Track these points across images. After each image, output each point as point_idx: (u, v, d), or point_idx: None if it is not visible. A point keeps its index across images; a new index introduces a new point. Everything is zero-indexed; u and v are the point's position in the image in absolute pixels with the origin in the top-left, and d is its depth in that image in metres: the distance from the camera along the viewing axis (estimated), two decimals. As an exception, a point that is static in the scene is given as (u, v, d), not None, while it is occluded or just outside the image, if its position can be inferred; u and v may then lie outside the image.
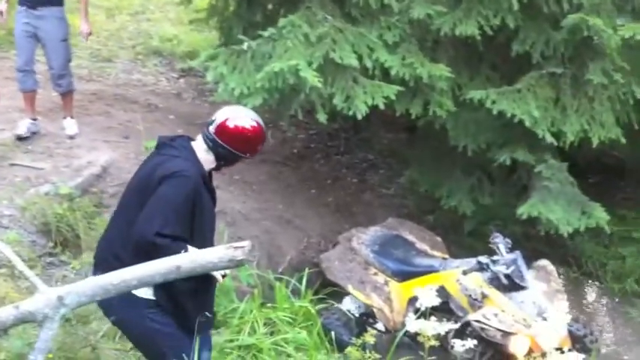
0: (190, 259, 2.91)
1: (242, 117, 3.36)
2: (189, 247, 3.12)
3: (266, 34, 4.95)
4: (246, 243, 3.06)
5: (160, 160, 3.29)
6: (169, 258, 2.91)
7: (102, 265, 3.26)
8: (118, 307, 3.21)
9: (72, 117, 6.19)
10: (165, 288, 3.15)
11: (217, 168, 3.46)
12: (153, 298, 3.24)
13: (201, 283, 3.26)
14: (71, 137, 6.09)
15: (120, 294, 2.92)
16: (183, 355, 3.28)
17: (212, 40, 8.34)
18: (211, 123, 3.34)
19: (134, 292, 3.10)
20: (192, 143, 3.40)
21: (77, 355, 3.76)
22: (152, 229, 3.09)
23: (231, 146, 3.32)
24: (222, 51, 5.13)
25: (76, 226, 5.06)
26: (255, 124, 3.34)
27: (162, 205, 3.15)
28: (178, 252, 3.01)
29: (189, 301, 3.31)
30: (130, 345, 4.05)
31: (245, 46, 4.98)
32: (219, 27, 7.03)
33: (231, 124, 3.31)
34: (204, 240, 3.30)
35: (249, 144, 3.37)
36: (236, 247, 2.89)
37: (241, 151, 3.36)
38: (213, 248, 3.01)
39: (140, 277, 2.87)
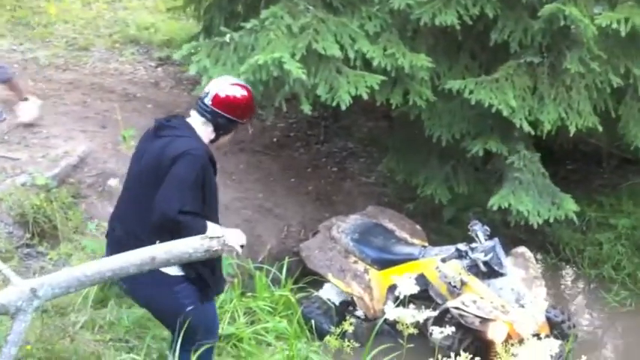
0: (165, 250, 2.91)
1: (233, 86, 3.59)
2: (208, 223, 3.33)
3: (248, 25, 4.92)
4: (222, 233, 3.07)
5: (165, 142, 3.43)
6: (144, 249, 2.91)
7: (118, 245, 3.35)
8: (148, 286, 3.36)
9: (24, 99, 5.96)
10: (191, 264, 3.29)
11: (215, 139, 3.61)
12: (181, 274, 3.41)
13: (218, 257, 3.46)
14: (28, 124, 5.91)
15: (144, 274, 3.02)
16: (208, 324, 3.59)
17: (190, 28, 8.27)
18: (205, 96, 3.53)
19: (163, 270, 3.27)
20: (188, 120, 3.57)
21: (55, 346, 3.74)
22: (174, 208, 3.26)
23: (229, 114, 3.52)
24: (204, 43, 5.10)
25: (54, 217, 5.02)
26: (245, 91, 3.60)
27: (178, 185, 3.32)
28: (199, 228, 3.21)
29: (210, 273, 3.52)
30: (109, 336, 4.05)
31: (227, 38, 4.94)
32: (198, 17, 6.97)
33: (225, 94, 3.53)
34: (213, 213, 3.54)
35: (245, 109, 3.60)
36: (212, 238, 2.91)
37: (239, 117, 3.58)
38: (188, 239, 3.01)
39: (114, 268, 2.86)
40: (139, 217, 3.41)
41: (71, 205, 5.29)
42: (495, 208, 5.31)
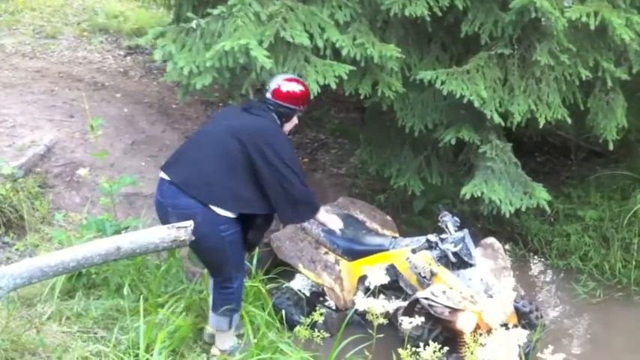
0: (131, 239, 2.88)
1: (290, 81, 4.29)
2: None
3: (215, 12, 4.86)
4: (189, 223, 3.04)
5: (254, 119, 4.13)
6: (108, 239, 2.89)
7: (195, 190, 3.93)
8: (201, 225, 3.76)
9: None
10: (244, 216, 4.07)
11: (280, 126, 4.28)
12: (232, 215, 4.00)
13: (266, 220, 4.28)
14: None
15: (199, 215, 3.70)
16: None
17: (160, 17, 8.22)
18: (267, 91, 4.25)
19: (217, 210, 3.91)
20: None
21: (21, 338, 3.68)
22: (306, 188, 4.15)
23: (290, 103, 4.22)
24: (170, 29, 5.02)
25: (20, 207, 4.95)
26: (300, 84, 4.31)
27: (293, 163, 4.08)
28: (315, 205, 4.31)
29: (255, 226, 4.20)
30: (76, 327, 4.00)
31: (194, 24, 4.88)
32: (168, 5, 6.89)
33: (286, 88, 4.23)
34: None
35: (300, 98, 4.27)
36: (178, 228, 2.88)
37: (297, 106, 4.27)
38: (154, 228, 3.00)
39: (78, 258, 2.82)
40: (224, 179, 3.98)
41: (38, 195, 5.22)
42: (468, 197, 5.33)
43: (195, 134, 4.54)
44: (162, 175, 4.10)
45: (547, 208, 5.58)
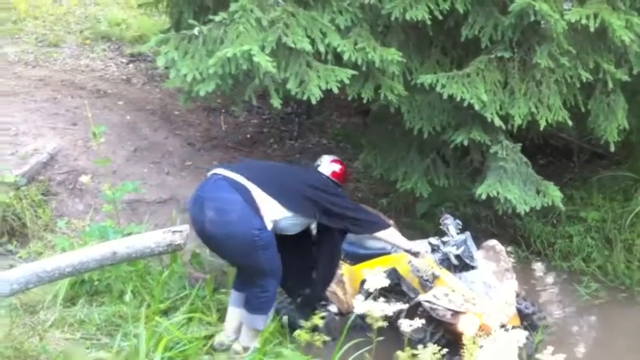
0: (127, 244, 2.89)
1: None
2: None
3: (217, 18, 4.88)
4: (184, 227, 3.05)
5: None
6: (105, 244, 2.90)
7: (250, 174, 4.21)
8: (236, 223, 3.99)
9: None
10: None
11: None
12: (271, 220, 4.17)
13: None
14: None
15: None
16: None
17: (161, 24, 8.23)
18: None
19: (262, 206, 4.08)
20: None
21: (24, 345, 3.69)
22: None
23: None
24: (172, 36, 5.05)
25: (23, 215, 4.98)
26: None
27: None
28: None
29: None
30: (79, 334, 4.01)
31: (196, 31, 4.90)
32: (168, 11, 6.91)
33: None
34: None
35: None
36: (174, 232, 2.89)
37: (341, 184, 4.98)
38: (150, 233, 3.00)
39: (74, 263, 2.83)
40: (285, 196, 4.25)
41: (41, 203, 5.25)
42: (484, 197, 5.32)
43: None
44: (212, 172, 4.27)
45: (561, 205, 5.58)
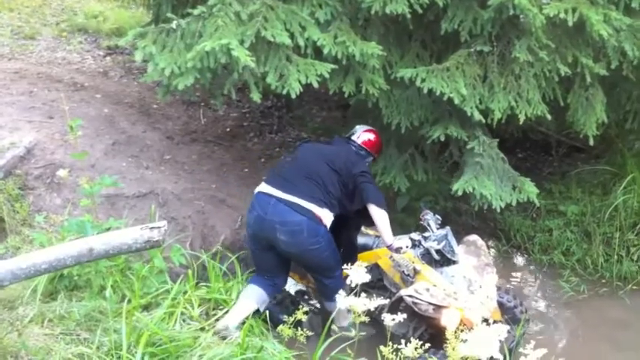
0: (103, 240, 2.85)
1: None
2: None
3: (196, 12, 4.83)
4: (162, 223, 3.02)
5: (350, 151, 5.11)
6: (80, 240, 2.85)
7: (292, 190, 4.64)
8: (307, 238, 4.57)
9: None
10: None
11: None
12: (330, 218, 4.70)
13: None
14: None
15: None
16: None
17: (139, 17, 8.16)
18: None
19: (320, 214, 4.62)
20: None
21: (3, 341, 3.64)
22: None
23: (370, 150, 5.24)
24: (150, 29, 4.99)
25: (0, 210, 4.89)
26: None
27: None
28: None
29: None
30: (59, 330, 3.96)
31: (174, 24, 4.85)
32: (148, 5, 6.84)
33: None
34: None
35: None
36: (152, 228, 2.85)
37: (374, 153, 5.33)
38: (128, 229, 2.95)
39: (50, 260, 2.78)
40: (316, 191, 4.66)
41: (18, 198, 5.17)
42: (460, 193, 5.34)
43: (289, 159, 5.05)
44: (265, 189, 4.70)
45: (537, 201, 5.61)
